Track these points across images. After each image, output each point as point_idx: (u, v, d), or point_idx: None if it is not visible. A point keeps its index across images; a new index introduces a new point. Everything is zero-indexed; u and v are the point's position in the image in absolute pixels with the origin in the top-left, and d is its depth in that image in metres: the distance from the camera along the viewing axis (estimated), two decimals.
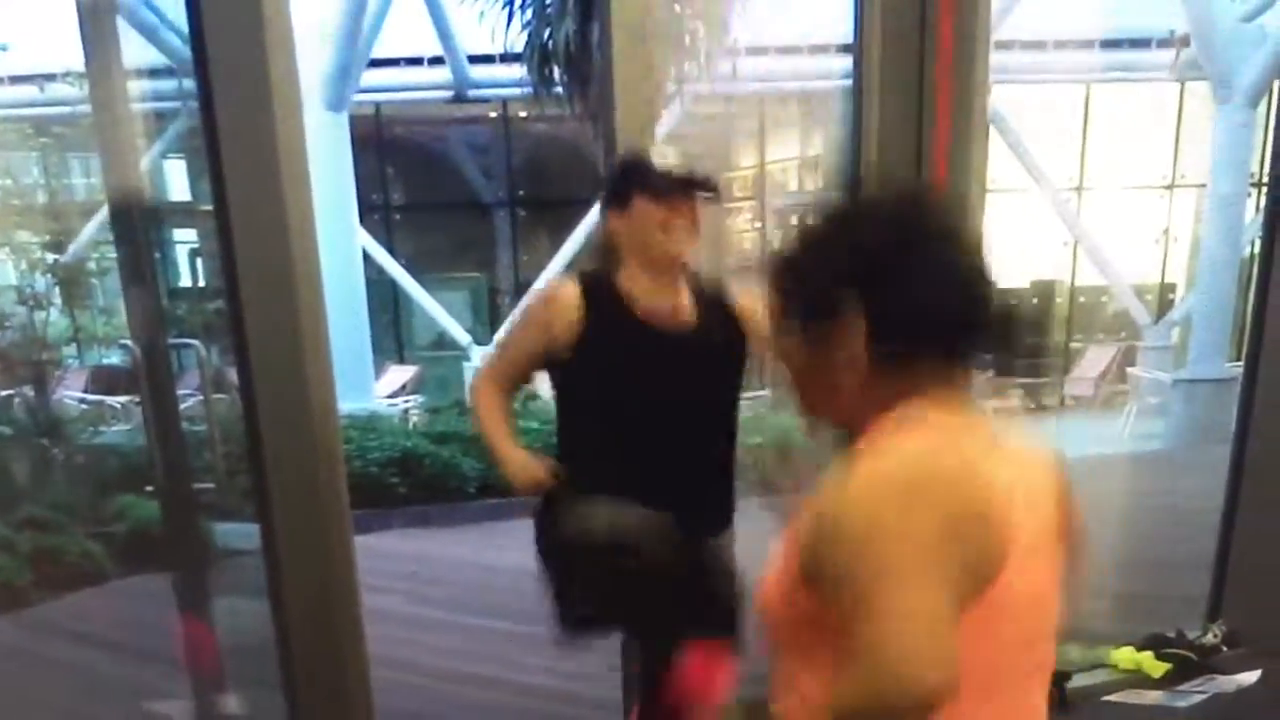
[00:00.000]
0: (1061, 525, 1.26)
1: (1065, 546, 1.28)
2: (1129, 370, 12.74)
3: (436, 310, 13.04)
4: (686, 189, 2.44)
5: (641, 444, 2.39)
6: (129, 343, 3.37)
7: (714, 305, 2.56)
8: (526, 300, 2.61)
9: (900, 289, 1.18)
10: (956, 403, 1.21)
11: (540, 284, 2.70)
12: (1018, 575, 1.11)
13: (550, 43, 9.86)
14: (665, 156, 2.48)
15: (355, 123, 11.33)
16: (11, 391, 7.48)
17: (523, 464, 2.46)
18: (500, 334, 2.52)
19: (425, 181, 15.38)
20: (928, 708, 1.00)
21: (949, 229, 1.24)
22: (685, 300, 2.50)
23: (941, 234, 1.22)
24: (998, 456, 1.18)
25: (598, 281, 2.49)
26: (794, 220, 1.32)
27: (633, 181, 2.46)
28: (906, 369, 1.20)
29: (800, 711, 1.22)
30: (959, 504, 1.08)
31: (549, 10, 9.85)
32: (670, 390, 2.43)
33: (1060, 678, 3.58)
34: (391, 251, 13.29)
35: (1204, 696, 3.56)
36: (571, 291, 2.46)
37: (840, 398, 1.25)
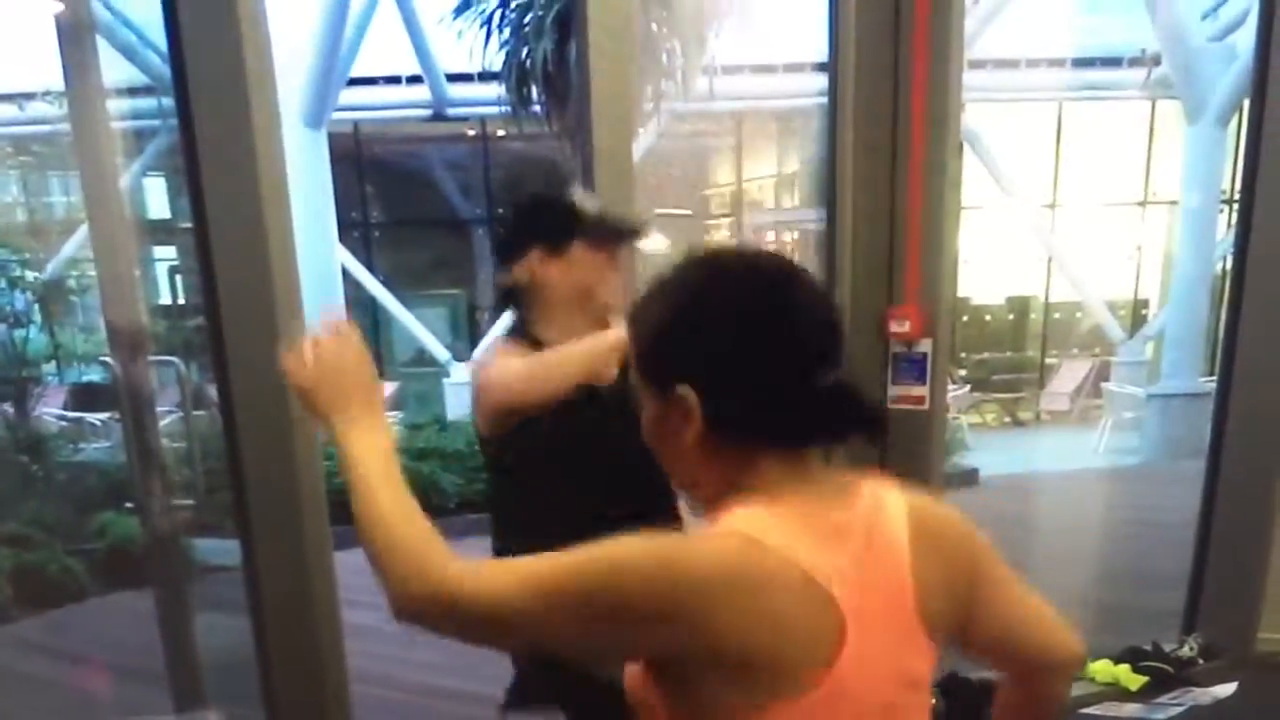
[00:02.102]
0: (946, 578, 1.21)
1: (964, 595, 1.24)
2: (1103, 385, 12.82)
3: (415, 327, 13.02)
4: (626, 237, 2.39)
5: (596, 508, 2.24)
6: (109, 360, 3.36)
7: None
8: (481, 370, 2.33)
9: (736, 390, 1.13)
10: (799, 484, 1.15)
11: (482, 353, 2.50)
12: (855, 676, 1.09)
13: (528, 61, 9.89)
14: (586, 202, 2.40)
15: (334, 141, 11.35)
16: None
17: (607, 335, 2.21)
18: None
19: (404, 199, 15.41)
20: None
21: (796, 316, 1.14)
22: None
23: (784, 324, 1.13)
24: (832, 550, 1.11)
25: (525, 341, 2.35)
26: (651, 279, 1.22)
27: (571, 227, 2.33)
28: (743, 455, 1.16)
29: None
30: (724, 593, 1.05)
31: (527, 29, 9.88)
32: (617, 450, 2.32)
33: None
34: (370, 268, 13.28)
35: (1181, 709, 3.57)
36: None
37: (688, 472, 1.22)
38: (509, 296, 2.39)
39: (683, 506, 2.53)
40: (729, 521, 1.12)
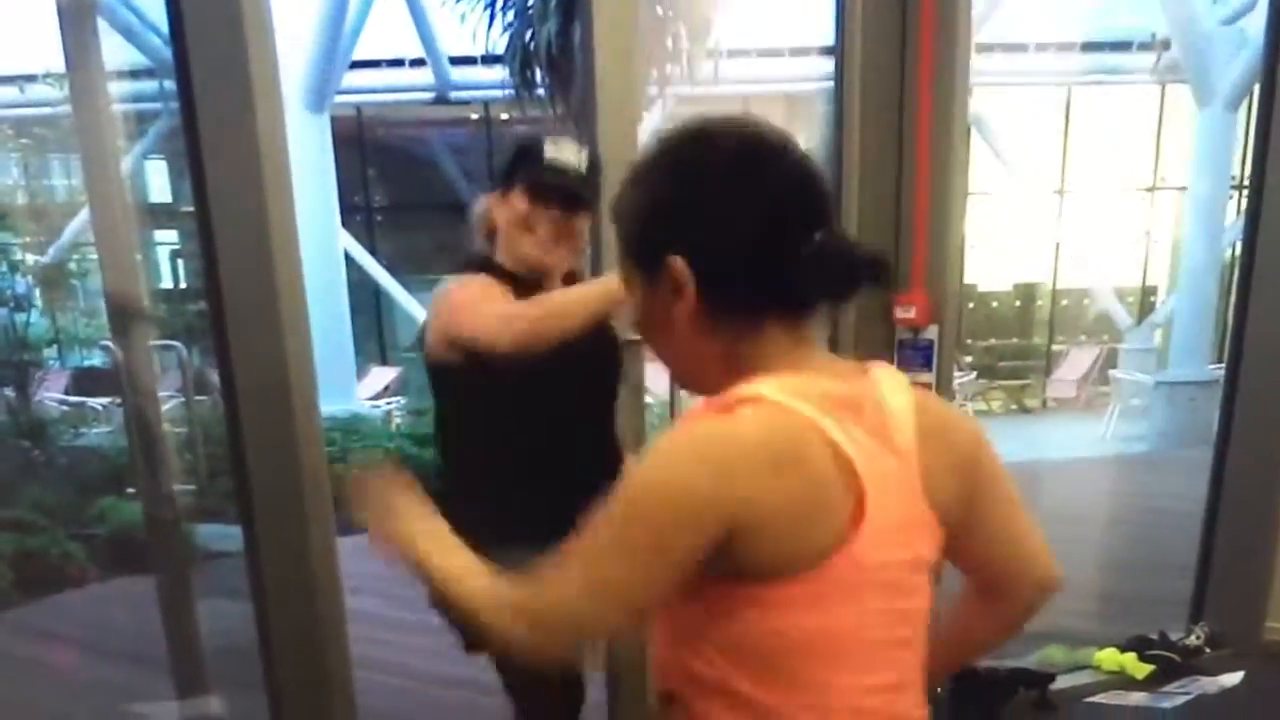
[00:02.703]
0: (945, 470, 1.21)
1: (963, 495, 1.24)
2: (1111, 372, 12.80)
3: (419, 311, 12.97)
4: (568, 204, 2.25)
5: (547, 458, 2.21)
6: (110, 344, 3.35)
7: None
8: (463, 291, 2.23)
9: (731, 252, 1.12)
10: (805, 358, 1.16)
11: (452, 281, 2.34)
12: (871, 547, 1.09)
13: (532, 44, 9.84)
14: (573, 156, 2.26)
15: (337, 124, 11.31)
16: None
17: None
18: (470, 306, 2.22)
19: (407, 183, 15.37)
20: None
21: (779, 176, 1.13)
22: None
23: (768, 183, 1.12)
24: (846, 423, 1.10)
25: (498, 268, 2.29)
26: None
27: (518, 168, 2.25)
28: (745, 327, 1.15)
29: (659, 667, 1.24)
30: (766, 471, 1.05)
31: (531, 12, 9.83)
32: (584, 395, 2.30)
33: (1043, 679, 3.59)
34: (373, 253, 13.26)
35: (1187, 698, 3.56)
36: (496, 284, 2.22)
37: (683, 356, 1.21)
38: (474, 239, 2.36)
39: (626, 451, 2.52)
40: (744, 394, 1.10)
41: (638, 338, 1.43)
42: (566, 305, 2.07)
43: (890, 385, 1.20)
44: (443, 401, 2.35)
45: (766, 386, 1.10)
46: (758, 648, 1.11)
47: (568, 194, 2.24)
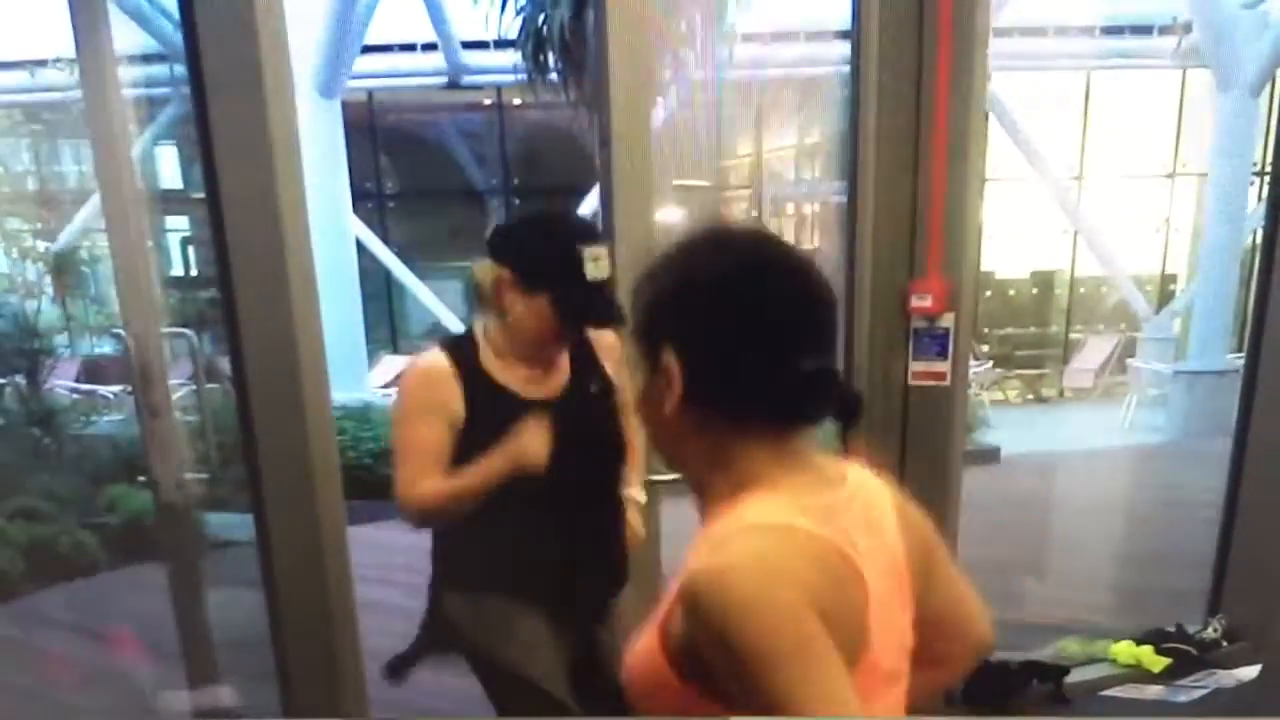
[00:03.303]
0: (913, 553, 1.24)
1: (923, 570, 1.27)
2: (1129, 361, 12.73)
3: (430, 299, 13.00)
4: (602, 325, 2.26)
5: (536, 524, 2.17)
6: (121, 332, 3.35)
7: (582, 353, 2.37)
8: (401, 388, 2.24)
9: (717, 360, 1.14)
10: (793, 466, 1.17)
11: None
12: (881, 648, 1.11)
13: (545, 28, 9.80)
14: (606, 267, 2.18)
15: (348, 109, 11.29)
16: (3, 381, 7.47)
17: (525, 439, 2.10)
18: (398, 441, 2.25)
19: (419, 169, 15.38)
20: None
21: (784, 299, 1.15)
22: (558, 366, 2.32)
23: (771, 304, 1.14)
24: (848, 521, 1.13)
25: (463, 353, 2.25)
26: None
27: (551, 272, 2.16)
28: (729, 433, 1.17)
29: None
30: (822, 582, 1.05)
31: None
32: (560, 465, 2.18)
33: (1059, 671, 3.58)
34: (385, 240, 13.26)
35: (1204, 691, 3.55)
36: (444, 370, 2.20)
37: (678, 450, 1.23)
38: (478, 295, 2.26)
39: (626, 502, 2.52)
40: (749, 514, 1.11)
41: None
42: (462, 490, 2.12)
43: (870, 482, 1.25)
44: None
45: (771, 511, 1.11)
46: None
47: (606, 318, 2.21)
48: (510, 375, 2.24)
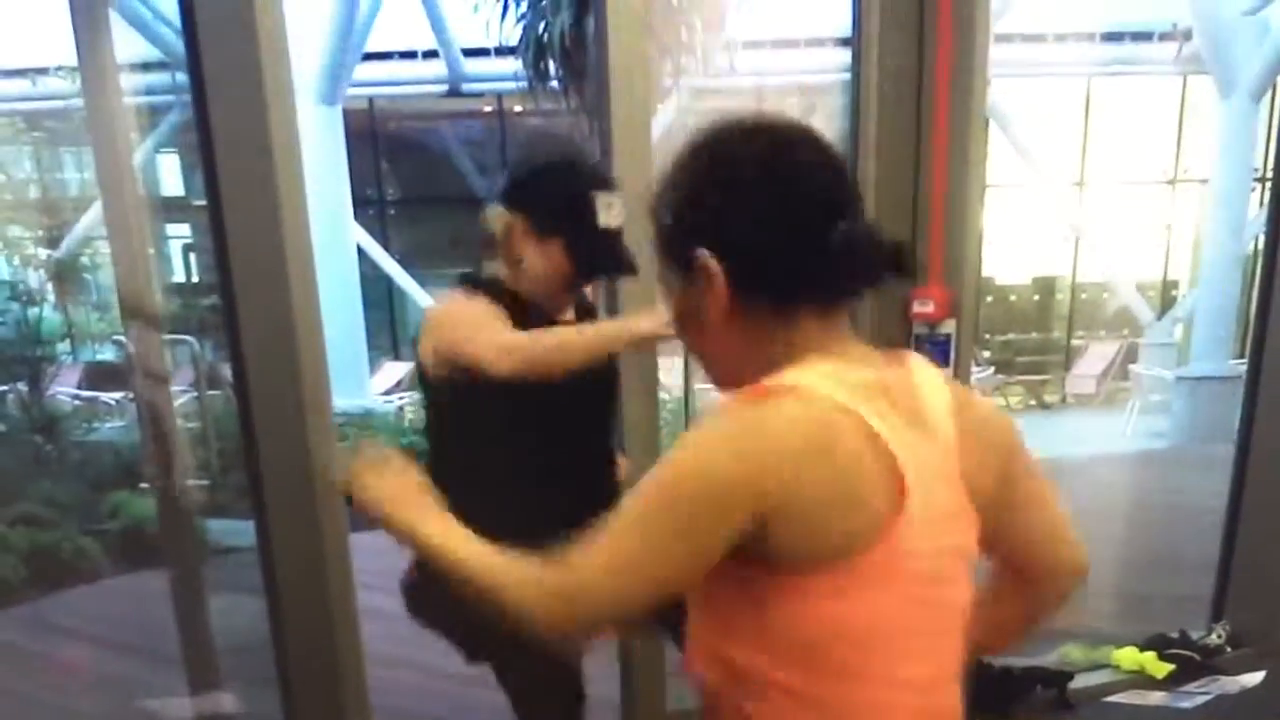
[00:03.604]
0: (978, 457, 1.21)
1: (996, 485, 1.24)
2: (1131, 367, 12.73)
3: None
4: (608, 270, 2.28)
5: (541, 466, 2.17)
6: (123, 338, 3.35)
7: (590, 318, 2.39)
8: (459, 310, 2.19)
9: (759, 244, 1.14)
10: (839, 349, 1.16)
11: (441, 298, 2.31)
12: (914, 536, 1.09)
13: (546, 36, 9.81)
14: (619, 215, 2.18)
15: (349, 117, 11.31)
16: (5, 388, 7.48)
17: (638, 316, 2.09)
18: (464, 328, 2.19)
19: (420, 176, 15.40)
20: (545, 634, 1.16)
21: (806, 168, 1.15)
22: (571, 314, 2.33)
23: (795, 175, 1.14)
24: (885, 413, 1.11)
25: (501, 293, 2.22)
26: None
27: (564, 218, 2.17)
28: (778, 319, 1.16)
29: (695, 653, 1.23)
30: (805, 461, 1.05)
31: (544, 3, 9.81)
32: (581, 405, 2.25)
33: (1062, 678, 3.57)
34: (386, 246, 13.27)
35: (1208, 697, 3.54)
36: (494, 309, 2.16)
37: (718, 352, 1.22)
38: (488, 241, 2.25)
39: (620, 461, 2.53)
40: (779, 385, 1.11)
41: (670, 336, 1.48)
42: (569, 343, 2.06)
43: (926, 374, 1.22)
44: (434, 409, 2.31)
45: (802, 375, 1.11)
46: (796, 638, 1.11)
47: (618, 266, 2.23)
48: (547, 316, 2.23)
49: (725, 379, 1.23)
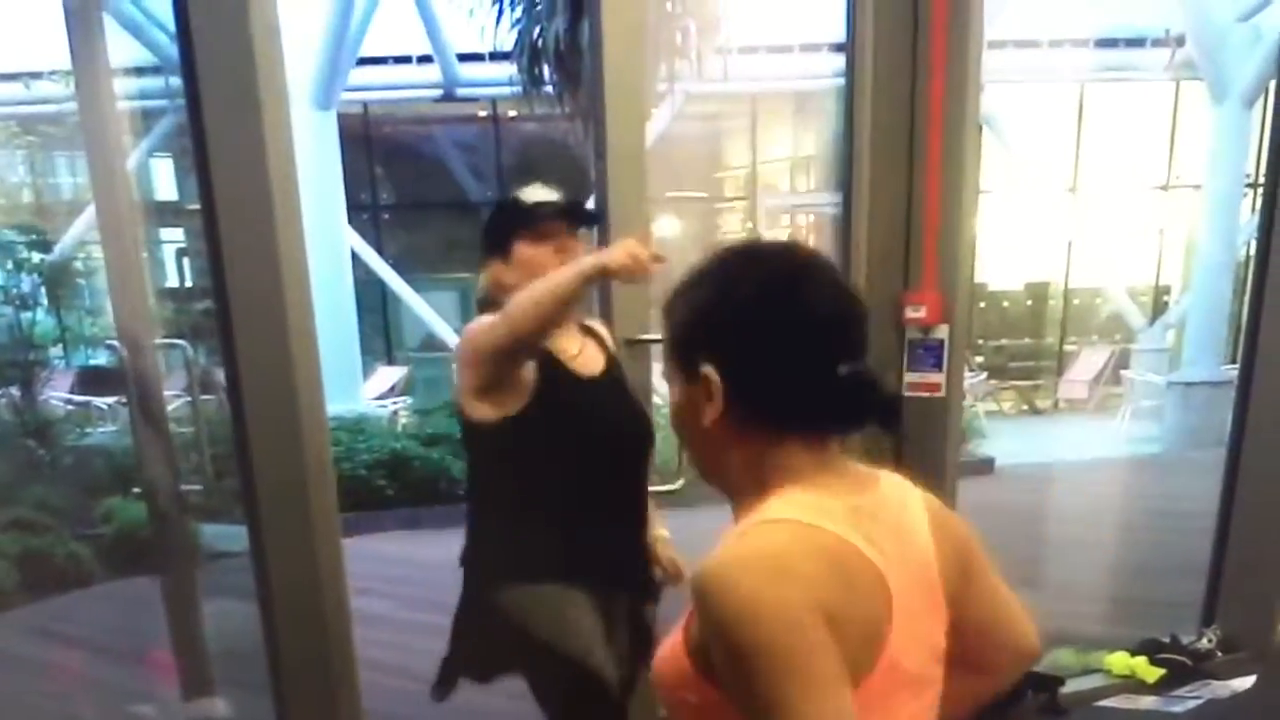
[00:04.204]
0: (949, 559, 1.25)
1: (961, 582, 1.27)
2: (1123, 373, 12.76)
3: (425, 311, 12.99)
4: (565, 222, 2.33)
5: (590, 502, 2.27)
6: (116, 343, 3.35)
7: (594, 339, 2.48)
8: (472, 326, 2.27)
9: (759, 370, 1.17)
10: (827, 472, 1.19)
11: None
12: (902, 652, 1.12)
13: (540, 41, 9.83)
14: (547, 191, 2.35)
15: (343, 121, 11.31)
16: None
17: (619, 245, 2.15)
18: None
19: (414, 181, 15.39)
20: None
21: (820, 304, 1.18)
22: (580, 339, 2.42)
23: (808, 311, 1.17)
24: (875, 525, 1.15)
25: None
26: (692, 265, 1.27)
27: (509, 226, 2.33)
28: (769, 440, 1.19)
29: None
30: (832, 583, 1.06)
31: (539, 8, 9.82)
32: (610, 441, 2.33)
33: (1054, 682, 3.57)
34: (380, 251, 13.24)
35: (1199, 702, 3.55)
36: None
37: (708, 454, 1.25)
38: (483, 304, 2.35)
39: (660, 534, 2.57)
40: (770, 511, 1.13)
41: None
42: (535, 290, 2.10)
43: (902, 488, 1.27)
44: (476, 455, 2.40)
45: (793, 508, 1.13)
46: None
47: (568, 211, 2.33)
48: (564, 357, 2.32)
49: (713, 480, 1.27)
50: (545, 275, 2.18)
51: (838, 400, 1.17)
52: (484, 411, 2.23)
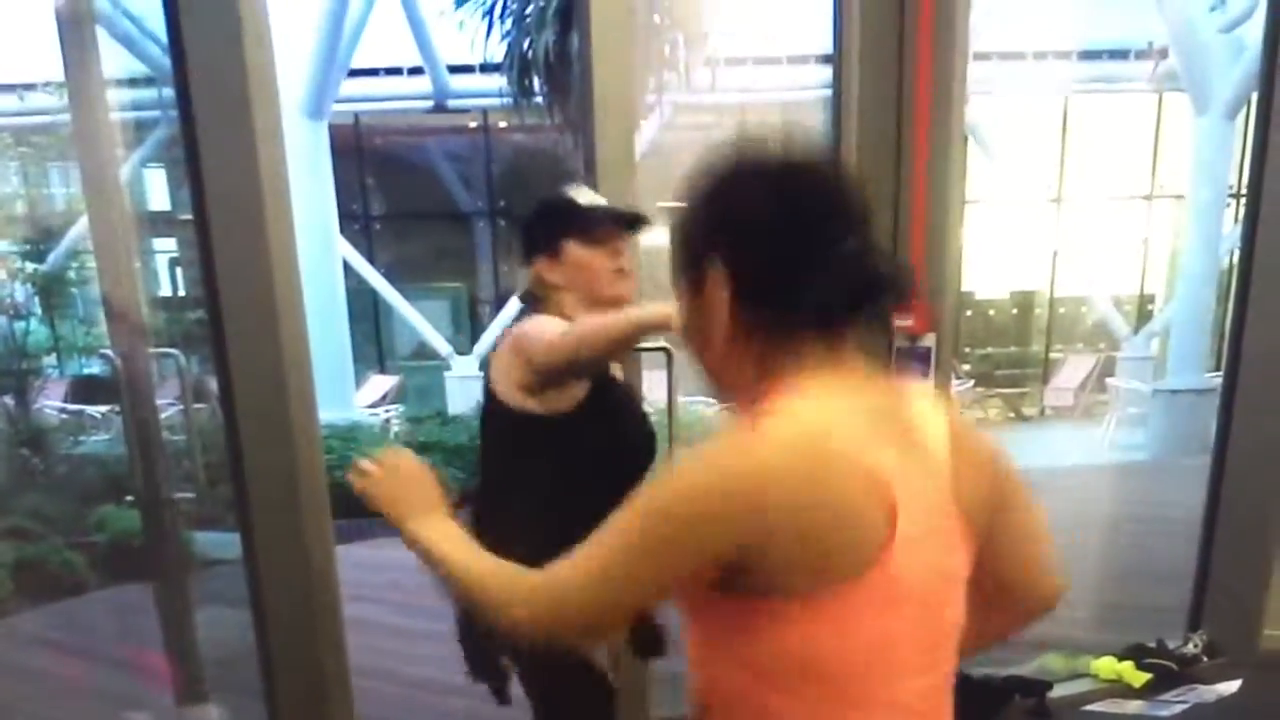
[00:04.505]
0: (971, 484, 1.22)
1: (988, 511, 1.25)
2: (1108, 380, 12.80)
3: (417, 320, 12.99)
4: (620, 227, 2.33)
5: (611, 501, 2.27)
6: (109, 352, 3.36)
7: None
8: (527, 324, 2.27)
9: (764, 253, 1.15)
10: (839, 373, 1.16)
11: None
12: (903, 565, 1.10)
13: (530, 52, 9.86)
14: (579, 196, 2.35)
15: (335, 132, 11.30)
16: None
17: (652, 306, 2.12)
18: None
19: (405, 191, 15.39)
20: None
21: (817, 186, 1.17)
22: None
23: (823, 202, 1.16)
24: (880, 440, 1.12)
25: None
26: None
27: (559, 225, 2.30)
28: (780, 336, 1.17)
29: (696, 676, 1.24)
30: (802, 487, 1.06)
31: (529, 20, 9.85)
32: (639, 442, 2.38)
33: (1041, 687, 3.59)
34: (371, 261, 13.26)
35: (1185, 706, 3.56)
36: None
37: (720, 364, 1.23)
38: (528, 300, 2.35)
39: None
40: (775, 410, 1.12)
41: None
42: (615, 323, 2.12)
43: (924, 401, 1.24)
44: (505, 443, 2.36)
45: (796, 402, 1.12)
46: (790, 663, 1.12)
47: (624, 217, 2.33)
48: None
49: (726, 390, 1.25)
50: (599, 282, 2.26)
51: (842, 278, 1.14)
52: (530, 404, 2.23)
